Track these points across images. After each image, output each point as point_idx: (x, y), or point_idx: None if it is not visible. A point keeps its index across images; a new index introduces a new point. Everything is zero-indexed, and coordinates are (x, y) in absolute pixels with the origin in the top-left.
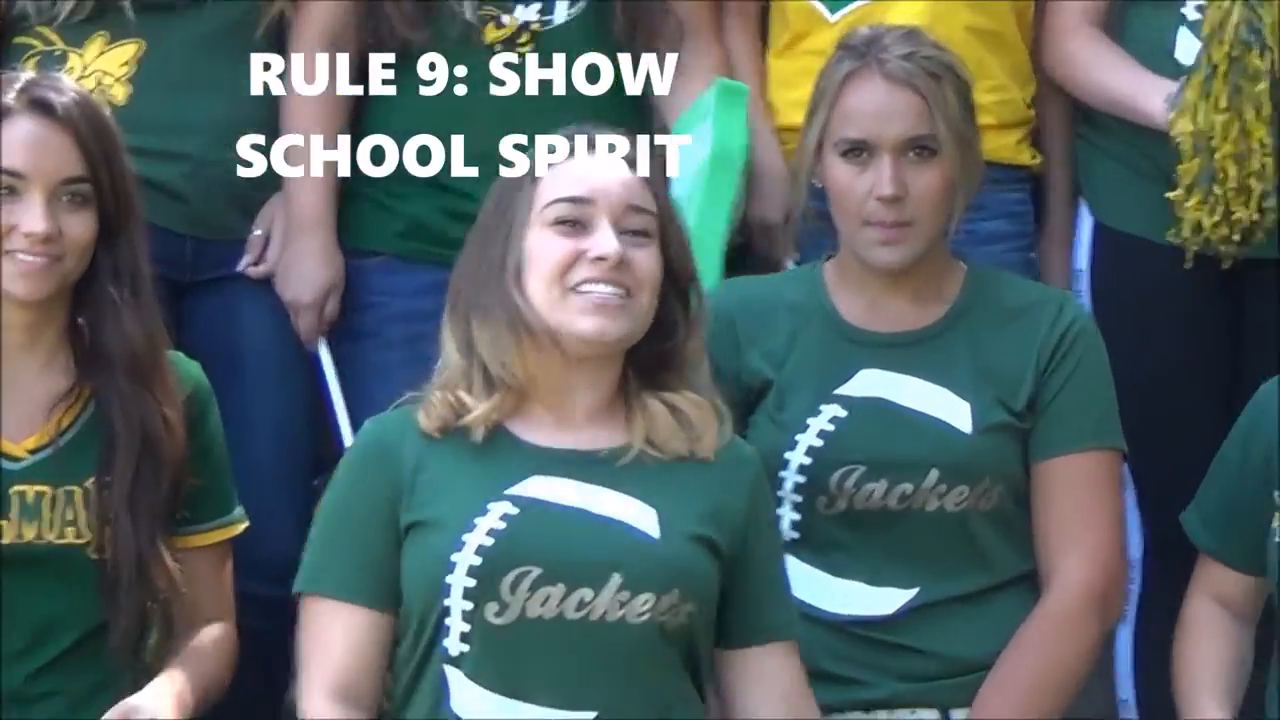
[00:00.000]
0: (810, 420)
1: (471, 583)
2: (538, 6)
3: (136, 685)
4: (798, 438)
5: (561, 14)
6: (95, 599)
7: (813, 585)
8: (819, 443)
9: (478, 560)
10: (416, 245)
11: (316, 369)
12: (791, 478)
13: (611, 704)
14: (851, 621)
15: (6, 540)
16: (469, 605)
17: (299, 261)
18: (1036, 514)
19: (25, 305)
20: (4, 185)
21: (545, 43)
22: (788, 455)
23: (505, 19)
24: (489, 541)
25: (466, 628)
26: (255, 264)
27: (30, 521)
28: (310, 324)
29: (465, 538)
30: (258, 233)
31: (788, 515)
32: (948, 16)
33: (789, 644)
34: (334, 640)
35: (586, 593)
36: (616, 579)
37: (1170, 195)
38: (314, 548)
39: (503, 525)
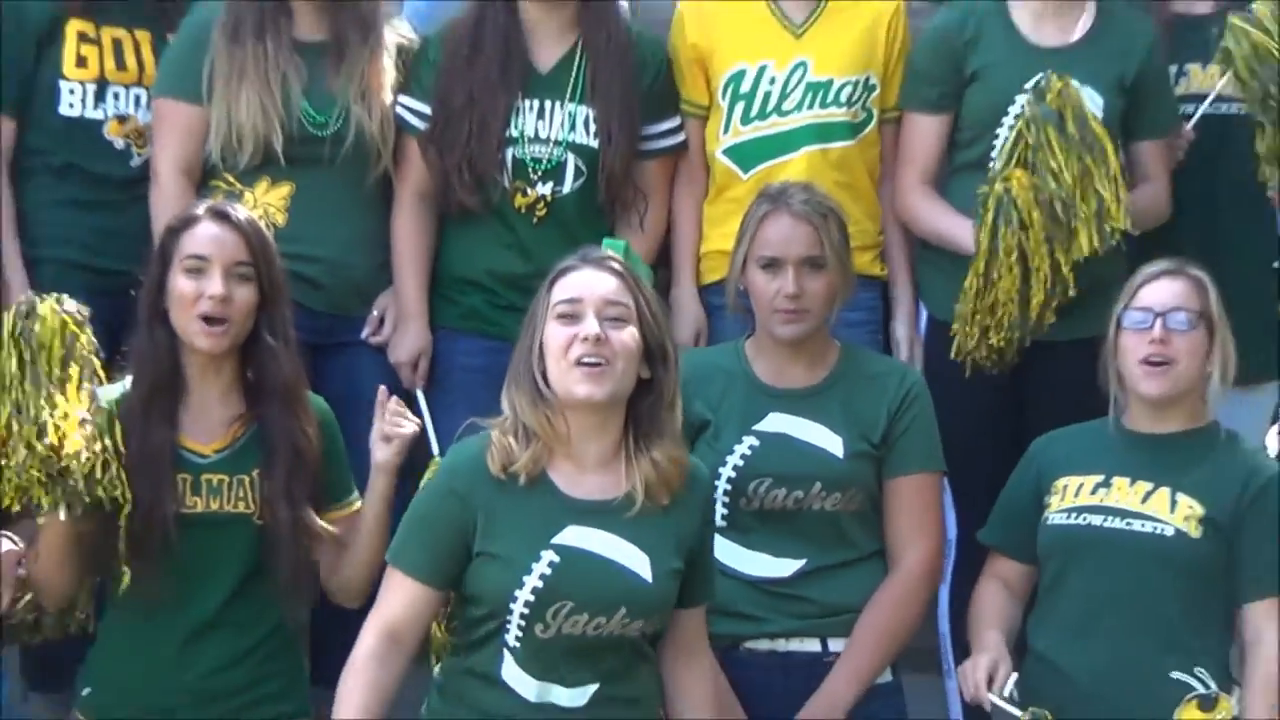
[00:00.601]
0: (735, 447)
1: (527, 610)
2: (551, 184)
3: (293, 620)
4: (727, 459)
5: (568, 186)
6: (254, 552)
7: (735, 555)
8: (741, 463)
9: (532, 597)
10: (470, 324)
11: (415, 405)
12: (723, 485)
13: (607, 677)
14: (761, 580)
15: (200, 510)
16: (524, 623)
17: (402, 337)
18: (886, 515)
19: (207, 353)
20: (195, 267)
21: (555, 207)
22: (720, 470)
23: (529, 190)
24: (540, 584)
25: (520, 634)
26: (374, 334)
27: (215, 498)
28: (408, 377)
29: (525, 578)
30: (375, 314)
31: (720, 510)
32: (821, 176)
33: (704, 606)
34: (397, 599)
35: (601, 619)
36: (623, 610)
37: (953, 329)
38: (402, 529)
39: (549, 571)
